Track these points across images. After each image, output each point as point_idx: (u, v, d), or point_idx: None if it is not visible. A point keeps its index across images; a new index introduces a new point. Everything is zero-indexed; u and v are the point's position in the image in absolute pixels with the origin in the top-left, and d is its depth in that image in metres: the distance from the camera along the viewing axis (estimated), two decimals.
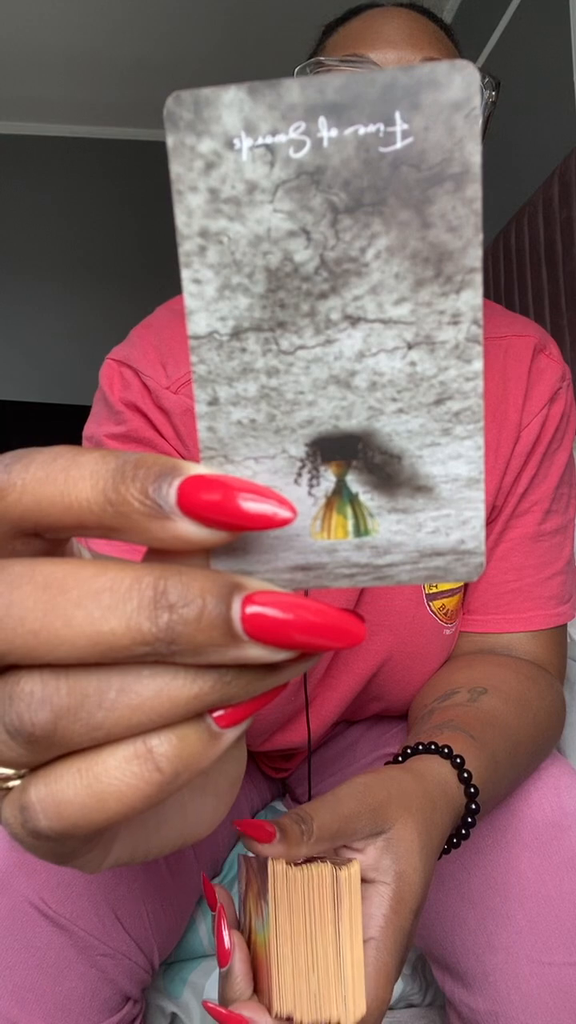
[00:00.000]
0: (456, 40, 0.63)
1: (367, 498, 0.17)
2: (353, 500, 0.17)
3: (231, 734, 0.16)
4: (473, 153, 0.15)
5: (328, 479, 0.17)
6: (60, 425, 3.07)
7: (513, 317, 0.67)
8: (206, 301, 0.16)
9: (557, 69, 1.70)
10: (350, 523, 0.17)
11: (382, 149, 0.15)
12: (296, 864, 0.35)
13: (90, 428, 0.62)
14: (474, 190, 0.15)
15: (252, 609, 0.15)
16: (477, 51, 2.10)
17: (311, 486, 0.17)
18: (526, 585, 0.62)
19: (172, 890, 0.56)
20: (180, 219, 0.15)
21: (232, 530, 0.15)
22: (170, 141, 0.15)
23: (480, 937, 0.49)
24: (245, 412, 0.16)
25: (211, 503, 0.15)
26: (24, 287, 3.21)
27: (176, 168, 0.15)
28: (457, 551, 0.17)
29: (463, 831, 0.44)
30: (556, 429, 0.63)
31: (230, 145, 0.15)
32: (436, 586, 0.63)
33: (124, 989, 0.50)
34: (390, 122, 0.15)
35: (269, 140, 0.15)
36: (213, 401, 0.16)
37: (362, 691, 0.64)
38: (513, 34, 1.93)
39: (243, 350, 0.16)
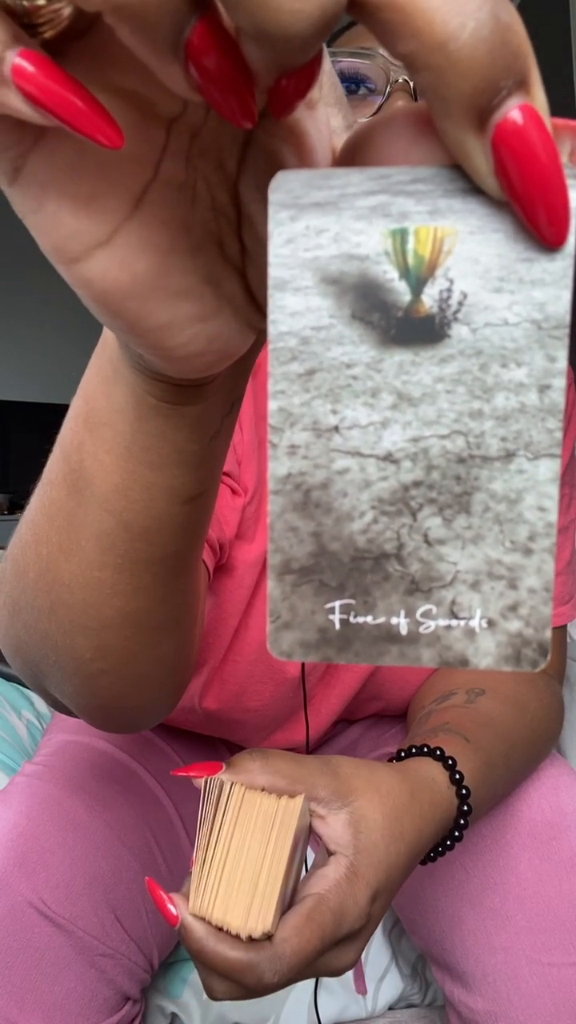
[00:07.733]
0: None
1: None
2: None
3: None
4: None
5: None
6: (60, 425, 3.07)
7: None
8: None
9: (557, 69, 1.69)
10: None
11: None
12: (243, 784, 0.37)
13: None
14: None
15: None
16: None
17: None
18: None
19: (171, 889, 0.56)
20: None
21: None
22: None
23: (479, 937, 0.50)
24: None
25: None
26: (25, 287, 3.21)
27: None
28: None
29: (456, 832, 0.44)
30: None
31: None
32: None
33: (123, 989, 0.50)
34: None
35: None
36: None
37: (361, 689, 0.64)
38: None
39: None
